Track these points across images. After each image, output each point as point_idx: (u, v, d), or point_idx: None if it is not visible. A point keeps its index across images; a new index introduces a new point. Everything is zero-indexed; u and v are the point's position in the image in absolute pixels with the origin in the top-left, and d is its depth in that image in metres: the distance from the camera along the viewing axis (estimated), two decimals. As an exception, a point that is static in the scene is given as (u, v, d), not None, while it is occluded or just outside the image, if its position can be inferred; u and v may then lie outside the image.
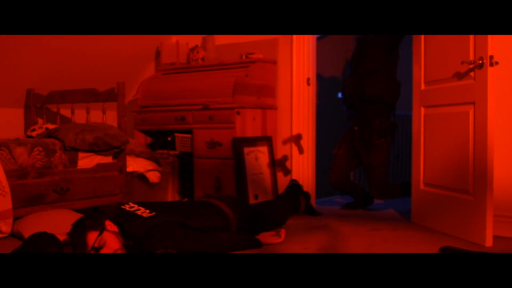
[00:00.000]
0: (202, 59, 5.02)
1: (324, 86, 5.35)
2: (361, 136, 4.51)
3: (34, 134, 4.17)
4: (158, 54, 5.42)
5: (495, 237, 3.26)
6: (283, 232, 3.35)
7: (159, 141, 4.94)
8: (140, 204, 3.18)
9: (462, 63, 3.30)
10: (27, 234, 3.16)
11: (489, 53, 3.14)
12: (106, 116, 4.41)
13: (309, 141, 4.68)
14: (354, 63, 4.63)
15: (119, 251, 2.75)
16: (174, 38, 5.27)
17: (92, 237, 2.71)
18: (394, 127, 4.51)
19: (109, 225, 2.84)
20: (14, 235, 3.38)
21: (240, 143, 4.31)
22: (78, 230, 2.76)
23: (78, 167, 3.84)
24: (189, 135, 4.68)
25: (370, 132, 4.47)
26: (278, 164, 4.66)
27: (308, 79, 4.65)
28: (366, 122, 4.49)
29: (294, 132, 4.69)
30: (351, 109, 4.60)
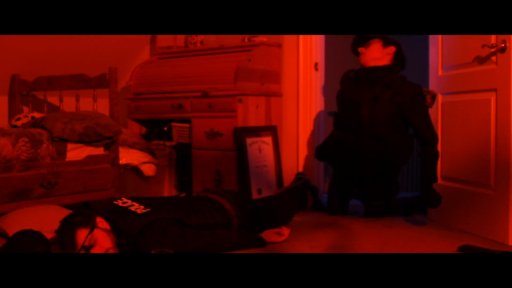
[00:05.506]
0: (201, 42, 5.00)
1: (334, 71, 5.31)
2: (360, 193, 4.04)
3: (19, 123, 4.16)
4: (153, 37, 5.39)
5: (519, 235, 3.24)
6: (285, 230, 3.34)
7: (154, 131, 4.93)
8: (134, 199, 3.18)
9: (483, 46, 3.27)
10: (11, 232, 3.15)
11: (513, 36, 3.11)
12: (97, 104, 4.40)
13: (317, 131, 4.66)
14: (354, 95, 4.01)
15: (111, 251, 2.75)
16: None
17: (82, 235, 2.70)
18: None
19: (100, 222, 2.83)
20: (-2, 232, 3.38)
21: (242, 133, 4.30)
22: (67, 228, 2.75)
23: (66, 159, 3.83)
24: (187, 125, 4.67)
25: (372, 192, 3.99)
26: None
27: (316, 64, 4.63)
28: (365, 178, 3.95)
29: (301, 121, 4.68)
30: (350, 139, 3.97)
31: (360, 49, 4.03)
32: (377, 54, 3.99)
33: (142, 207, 3.06)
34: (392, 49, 3.99)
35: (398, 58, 4.03)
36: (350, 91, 4.05)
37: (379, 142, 3.85)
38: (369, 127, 3.87)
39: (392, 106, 3.82)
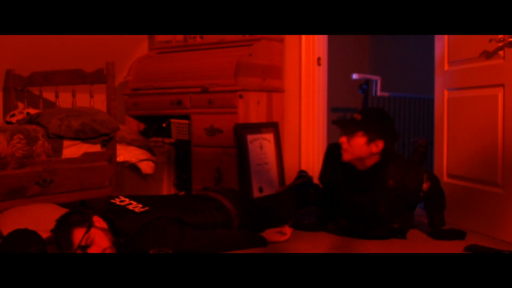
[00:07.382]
0: (201, 36, 4.99)
1: (337, 66, 5.32)
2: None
3: (14, 119, 4.15)
4: (151, 31, 5.39)
5: (527, 235, 3.24)
6: (287, 229, 3.34)
7: (153, 127, 4.92)
8: (131, 197, 3.18)
9: (490, 40, 3.26)
10: (6, 231, 3.14)
11: (521, 29, 3.10)
12: (94, 100, 4.39)
13: (319, 128, 4.66)
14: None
15: (108, 250, 2.75)
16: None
17: (78, 235, 2.70)
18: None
19: (98, 221, 2.83)
20: (-8, 232, 3.38)
21: (243, 130, 4.29)
22: (63, 227, 2.75)
23: (63, 157, 3.82)
24: (186, 121, 4.66)
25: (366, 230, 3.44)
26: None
27: (318, 59, 4.62)
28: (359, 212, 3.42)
29: (303, 118, 4.67)
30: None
31: (342, 140, 3.33)
32: (361, 154, 3.31)
33: (140, 205, 3.06)
34: (379, 145, 3.28)
35: (388, 147, 3.35)
36: (345, 189, 3.48)
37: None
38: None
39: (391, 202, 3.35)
